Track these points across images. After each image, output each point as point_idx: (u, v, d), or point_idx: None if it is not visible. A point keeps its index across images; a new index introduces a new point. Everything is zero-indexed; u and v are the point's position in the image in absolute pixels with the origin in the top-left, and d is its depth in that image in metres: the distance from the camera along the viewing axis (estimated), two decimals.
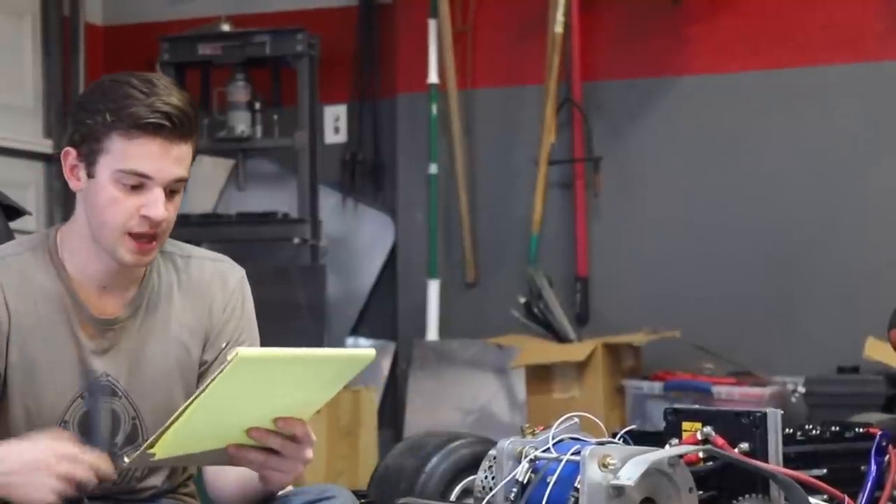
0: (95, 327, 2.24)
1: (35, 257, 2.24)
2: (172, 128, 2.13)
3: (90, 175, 2.17)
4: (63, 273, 2.23)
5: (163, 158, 2.13)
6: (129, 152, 2.12)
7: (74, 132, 2.18)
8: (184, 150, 2.16)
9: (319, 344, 5.57)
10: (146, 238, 2.17)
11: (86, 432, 2.23)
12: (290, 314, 5.47)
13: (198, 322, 2.31)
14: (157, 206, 2.14)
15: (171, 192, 2.17)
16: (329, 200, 6.08)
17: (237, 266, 2.39)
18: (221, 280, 2.34)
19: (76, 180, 2.20)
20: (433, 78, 5.83)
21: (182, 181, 2.18)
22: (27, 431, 2.20)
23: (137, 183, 2.14)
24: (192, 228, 5.70)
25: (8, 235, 2.94)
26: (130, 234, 2.16)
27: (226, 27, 5.91)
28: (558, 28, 5.58)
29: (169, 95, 2.13)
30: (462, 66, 5.86)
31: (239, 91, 5.83)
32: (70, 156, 2.19)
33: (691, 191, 5.57)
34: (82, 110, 2.17)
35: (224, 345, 2.31)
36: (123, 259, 2.18)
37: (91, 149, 2.15)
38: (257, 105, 5.86)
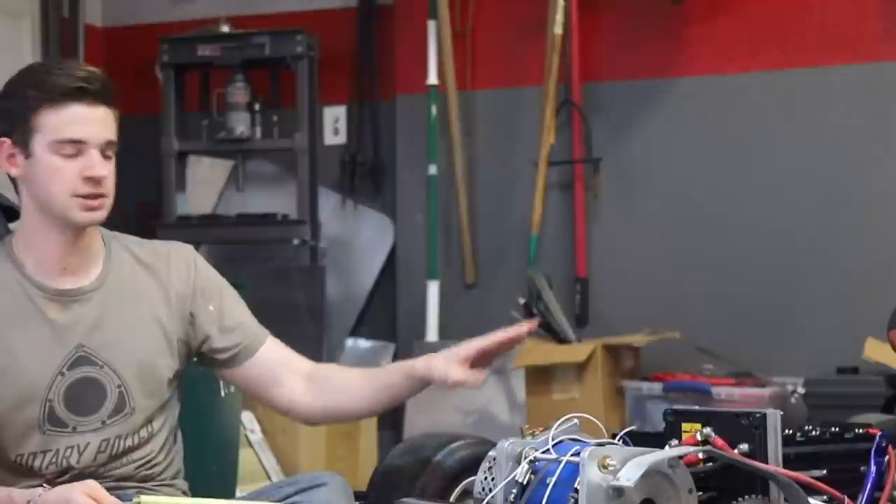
0: (61, 302, 2.33)
1: None
2: (94, 92, 2.30)
3: (27, 156, 2.30)
4: (23, 268, 2.33)
5: (92, 122, 2.30)
6: (60, 122, 2.28)
7: (3, 122, 2.31)
8: (107, 114, 2.33)
9: (318, 345, 5.58)
10: (92, 196, 2.30)
11: (72, 407, 2.31)
12: (289, 315, 5.45)
13: (162, 290, 2.43)
14: (97, 167, 2.30)
15: (104, 156, 2.32)
16: (329, 202, 6.08)
17: (187, 244, 2.55)
18: (176, 254, 2.49)
19: (15, 168, 2.32)
20: (432, 79, 5.82)
21: (113, 144, 2.33)
22: (15, 415, 2.29)
23: (75, 150, 2.29)
24: (192, 229, 5.70)
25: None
26: (77, 196, 2.29)
27: (225, 28, 5.91)
28: (558, 29, 5.58)
29: (83, 67, 2.35)
30: (461, 68, 5.85)
31: (238, 92, 5.83)
32: (4, 146, 2.32)
33: (691, 192, 5.57)
34: (7, 99, 2.32)
35: (202, 301, 2.46)
36: (77, 219, 2.30)
37: (24, 130, 2.29)
38: (257, 106, 5.86)
